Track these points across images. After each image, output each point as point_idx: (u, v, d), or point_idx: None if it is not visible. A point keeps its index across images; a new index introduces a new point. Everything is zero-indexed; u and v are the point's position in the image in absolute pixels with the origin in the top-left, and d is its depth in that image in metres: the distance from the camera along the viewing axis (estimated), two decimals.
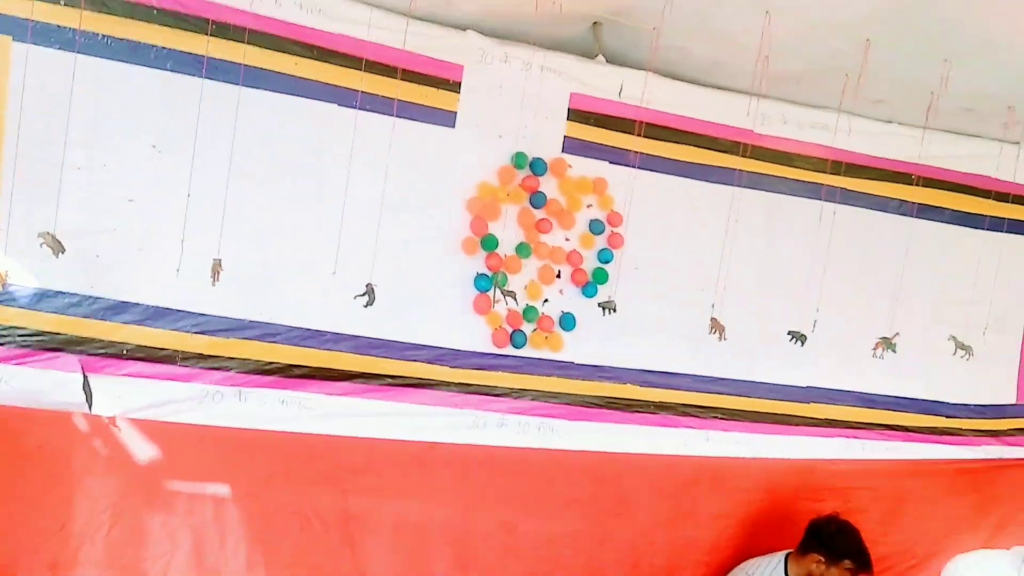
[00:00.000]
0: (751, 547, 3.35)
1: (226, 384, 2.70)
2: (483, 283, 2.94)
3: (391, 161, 2.76)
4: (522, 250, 2.97)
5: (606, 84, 3.05)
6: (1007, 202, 3.61)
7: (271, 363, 2.75)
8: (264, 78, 2.63)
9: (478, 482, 3.02)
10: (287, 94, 2.66)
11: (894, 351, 3.51)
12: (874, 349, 3.50)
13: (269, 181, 2.68)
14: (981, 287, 3.58)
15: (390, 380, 2.89)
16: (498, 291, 2.96)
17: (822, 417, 3.47)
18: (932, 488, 3.66)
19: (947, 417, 3.65)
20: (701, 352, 3.26)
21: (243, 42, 2.56)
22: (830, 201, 3.32)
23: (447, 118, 2.87)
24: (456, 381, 2.96)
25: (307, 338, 2.79)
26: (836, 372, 3.46)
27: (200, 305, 2.64)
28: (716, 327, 3.24)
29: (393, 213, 2.80)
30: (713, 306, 3.21)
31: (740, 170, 3.21)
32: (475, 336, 2.97)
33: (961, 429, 3.67)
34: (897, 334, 3.51)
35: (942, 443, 3.65)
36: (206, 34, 2.53)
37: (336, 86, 2.71)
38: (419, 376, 2.92)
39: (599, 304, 3.10)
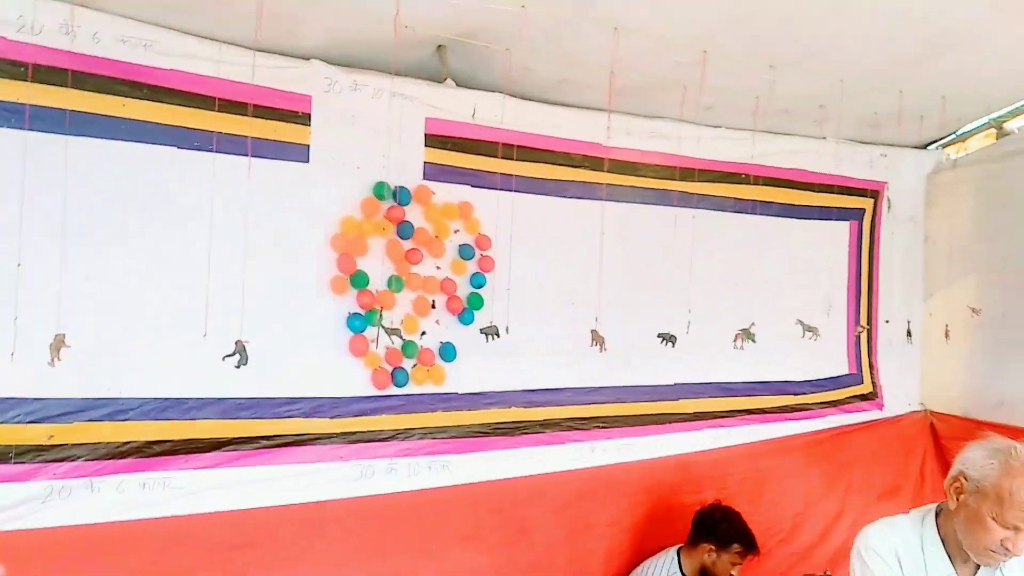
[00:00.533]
0: (644, 548, 3.41)
1: (73, 476, 2.35)
2: (357, 323, 2.77)
3: (250, 205, 2.53)
4: (394, 283, 2.83)
5: (459, 107, 2.99)
6: (823, 192, 3.94)
7: (125, 443, 2.44)
8: (92, 123, 2.31)
9: (374, 534, 2.84)
10: (122, 140, 2.37)
11: (753, 341, 3.72)
12: (734, 341, 3.69)
13: (112, 240, 2.38)
14: (814, 272, 3.90)
15: (265, 442, 2.66)
16: (381, 330, 2.80)
17: (691, 411, 3.60)
18: (789, 463, 3.90)
19: (795, 395, 3.91)
20: (582, 365, 3.28)
21: (66, 86, 2.24)
22: (682, 206, 3.46)
23: (300, 152, 2.69)
24: (338, 431, 2.77)
25: (166, 409, 2.50)
26: (701, 367, 3.60)
27: (35, 389, 2.28)
28: (597, 339, 3.27)
29: (257, 261, 2.57)
30: (596, 319, 3.23)
31: (596, 183, 3.26)
32: (354, 380, 2.80)
33: (808, 404, 3.95)
34: (753, 324, 3.73)
35: (794, 419, 3.90)
36: (26, 80, 2.19)
37: (177, 127, 2.45)
38: (297, 432, 2.71)
39: (481, 330, 3.03)
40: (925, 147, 4.36)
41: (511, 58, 2.78)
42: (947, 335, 4.22)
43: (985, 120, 4.15)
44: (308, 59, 2.69)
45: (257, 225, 2.57)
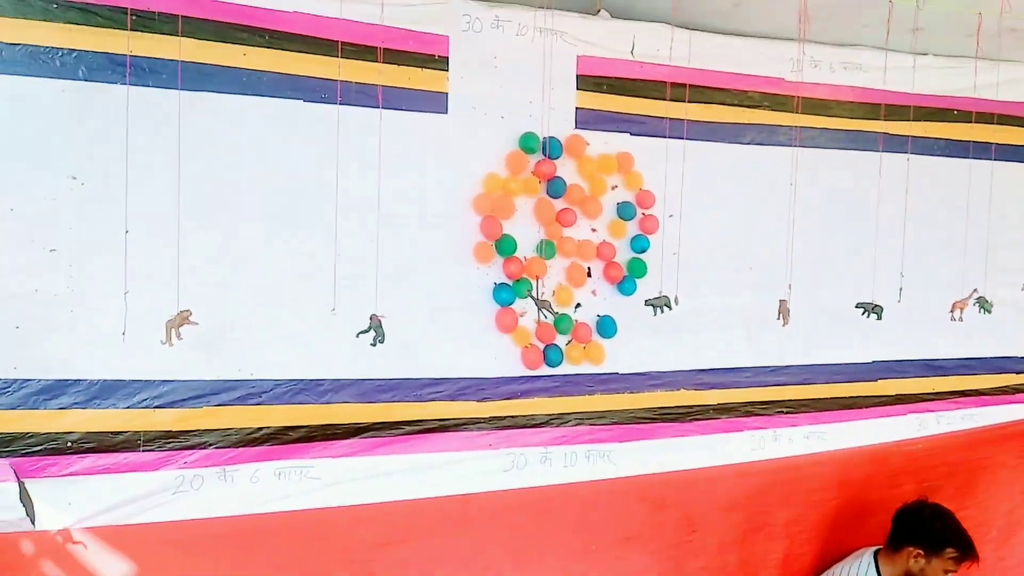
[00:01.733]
0: (830, 551, 3.00)
1: (205, 465, 2.16)
2: (505, 294, 2.44)
3: (381, 162, 2.23)
4: (545, 249, 2.47)
5: (615, 42, 2.58)
6: None
7: (259, 429, 2.21)
8: (208, 76, 2.07)
9: (526, 532, 2.54)
10: (240, 94, 2.11)
11: (987, 311, 3.16)
12: (951, 311, 3.12)
13: (231, 206, 2.13)
14: None
15: (407, 428, 2.39)
16: (531, 303, 2.46)
17: (892, 394, 3.08)
18: (1006, 454, 3.33)
19: (1018, 374, 3.30)
20: (764, 341, 2.83)
21: (176, 34, 2.00)
22: (889, 151, 2.90)
23: (438, 102, 2.35)
24: (486, 416, 2.47)
25: (300, 392, 2.25)
26: (908, 343, 3.07)
27: (158, 371, 2.08)
28: (783, 310, 2.80)
29: (391, 227, 2.28)
30: (790, 287, 2.75)
31: (780, 126, 2.78)
32: (502, 359, 2.48)
33: None
34: (975, 290, 3.13)
35: (1016, 402, 3.31)
36: (126, 28, 1.96)
37: (300, 76, 2.17)
38: (441, 417, 2.42)
39: (647, 302, 2.63)
40: None
41: None
42: None
43: None
44: None
45: (390, 185, 2.26)
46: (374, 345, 2.28)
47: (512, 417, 2.50)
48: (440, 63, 2.35)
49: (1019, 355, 3.31)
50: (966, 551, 2.71)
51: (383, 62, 2.23)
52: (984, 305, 3.14)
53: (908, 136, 2.96)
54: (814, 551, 3.00)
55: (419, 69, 2.32)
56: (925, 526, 2.74)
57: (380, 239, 2.25)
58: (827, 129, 2.87)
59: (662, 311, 2.64)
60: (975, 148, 3.09)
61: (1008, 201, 3.18)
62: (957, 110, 3.05)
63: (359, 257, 2.24)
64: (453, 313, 2.41)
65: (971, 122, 3.07)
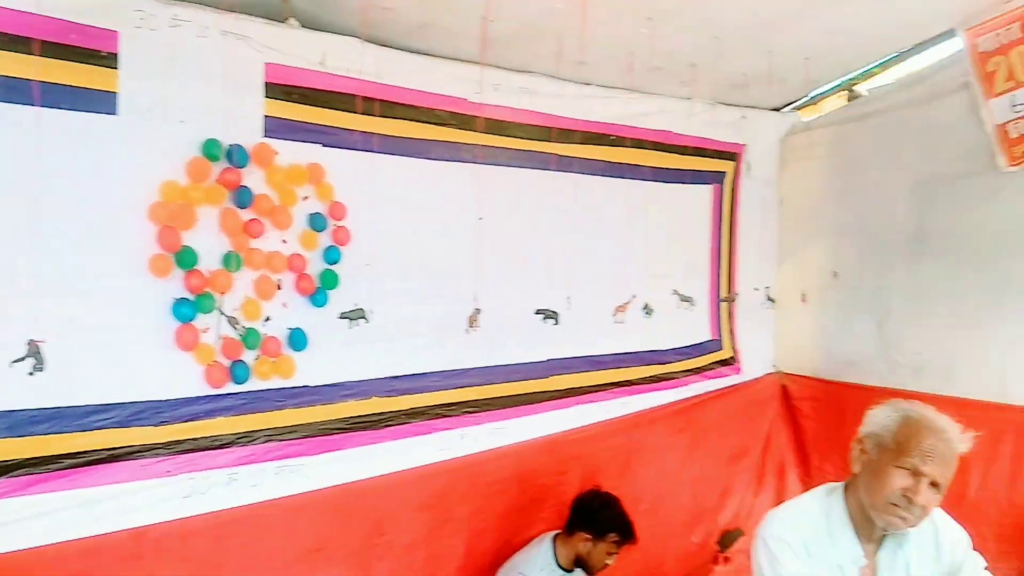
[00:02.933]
0: (513, 539, 3.22)
1: None
2: (185, 310, 2.29)
3: (41, 168, 1.97)
4: (230, 261, 2.37)
5: (305, 52, 2.54)
6: (690, 155, 3.81)
7: None
8: None
9: (207, 559, 2.40)
10: None
11: (639, 309, 3.57)
12: (615, 314, 3.52)
13: None
14: (684, 238, 3.79)
15: (69, 461, 2.15)
16: (215, 318, 2.34)
17: (562, 388, 3.40)
18: (656, 434, 3.83)
19: (662, 364, 3.82)
20: (448, 346, 2.97)
21: None
22: (560, 170, 3.19)
23: (106, 102, 2.14)
24: (163, 441, 2.31)
25: None
26: (578, 343, 3.40)
27: None
28: (470, 318, 2.96)
29: (53, 238, 2.04)
30: (474, 296, 2.90)
31: (465, 143, 2.93)
32: (183, 379, 2.34)
33: (674, 373, 3.87)
34: (634, 296, 3.56)
35: (660, 389, 3.82)
36: None
37: None
38: (111, 446, 2.22)
39: (342, 315, 2.63)
40: (779, 109, 4.35)
41: None
42: (804, 298, 4.28)
43: (839, 82, 4.19)
44: None
45: (50, 193, 2.02)
46: (32, 374, 2.02)
47: (194, 440, 2.36)
48: (108, 60, 2.14)
49: (664, 348, 3.83)
50: (625, 536, 3.05)
51: (41, 55, 1.98)
52: (647, 309, 3.59)
53: (575, 157, 3.28)
54: (496, 540, 3.20)
55: (84, 65, 2.09)
56: (594, 514, 3.05)
57: (38, 252, 2.00)
58: (506, 148, 3.07)
59: (357, 324, 2.66)
60: (630, 170, 3.52)
61: (660, 215, 3.66)
62: (614, 135, 3.44)
63: (13, 272, 1.97)
64: (125, 332, 2.22)
65: (626, 147, 3.49)
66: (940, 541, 2.11)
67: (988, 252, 3.51)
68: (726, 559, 4.23)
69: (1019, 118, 3.23)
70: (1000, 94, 3.27)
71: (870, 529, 2.04)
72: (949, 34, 3.43)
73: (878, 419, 2.06)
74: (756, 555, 2.08)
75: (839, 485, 2.14)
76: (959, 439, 1.96)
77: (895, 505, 1.94)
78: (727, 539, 4.25)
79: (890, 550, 2.06)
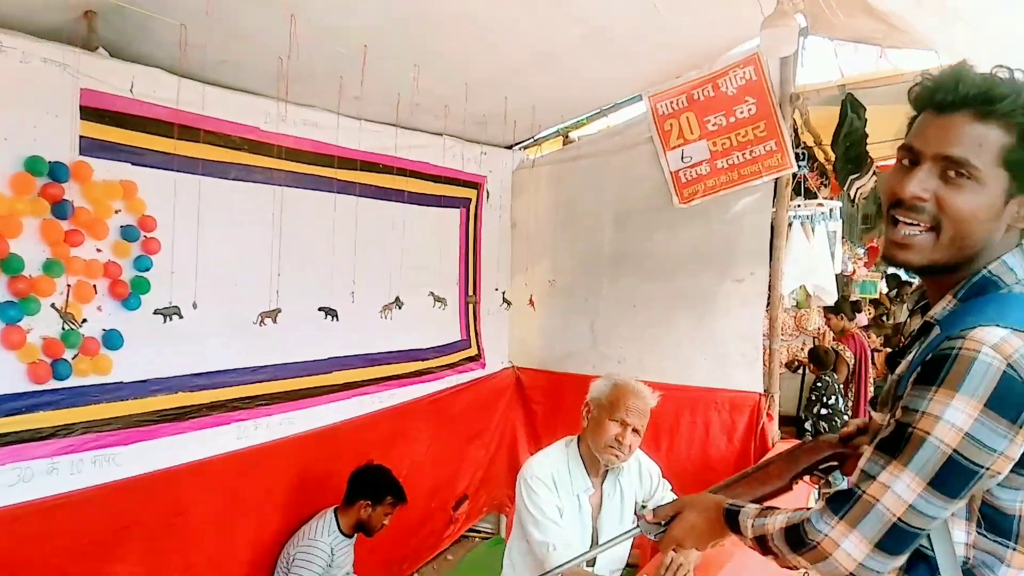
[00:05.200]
0: (298, 515, 3.61)
1: None
2: (11, 312, 2.48)
3: None
4: (52, 268, 2.58)
5: (115, 80, 2.80)
6: (443, 183, 4.49)
7: None
8: None
9: (31, 544, 2.57)
10: None
11: (400, 308, 4.15)
12: (381, 312, 4.06)
13: None
14: (439, 251, 4.45)
15: None
16: (38, 320, 2.54)
17: (342, 382, 3.87)
18: (416, 421, 4.42)
19: (423, 360, 4.43)
20: (249, 345, 3.33)
21: None
22: (342, 193, 3.69)
23: None
24: None
25: None
26: (354, 341, 3.89)
27: None
28: (266, 318, 3.35)
29: None
30: (269, 301, 3.31)
31: (258, 167, 3.33)
32: (8, 376, 2.51)
33: (432, 368, 4.50)
34: (398, 297, 4.13)
35: (422, 382, 4.43)
36: None
37: None
38: None
39: (157, 311, 2.92)
40: (511, 147, 5.19)
41: (176, 33, 2.71)
42: (532, 303, 5.14)
43: (556, 128, 5.14)
44: None
45: None
46: None
47: (17, 432, 2.53)
48: None
49: (424, 347, 4.45)
50: (399, 498, 3.58)
51: None
52: (405, 306, 4.20)
53: (355, 182, 3.81)
54: (285, 516, 3.57)
55: None
56: (370, 482, 3.54)
57: None
58: (295, 172, 3.51)
59: (171, 319, 2.96)
60: (396, 194, 4.11)
61: (421, 233, 4.30)
62: (383, 164, 4.02)
63: None
64: None
65: (393, 174, 4.08)
66: (641, 471, 2.94)
67: (667, 269, 4.60)
68: (455, 519, 4.96)
69: (687, 167, 4.34)
70: (674, 148, 4.36)
71: (597, 467, 2.77)
72: (638, 98, 4.48)
73: (597, 387, 2.82)
74: (519, 491, 2.73)
75: (574, 437, 2.86)
76: (651, 397, 2.77)
77: (611, 447, 2.68)
78: (458, 503, 4.97)
79: (610, 481, 2.83)
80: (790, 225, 4.38)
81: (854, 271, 9.04)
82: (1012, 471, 1.18)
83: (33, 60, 2.54)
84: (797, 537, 1.31)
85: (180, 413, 3.08)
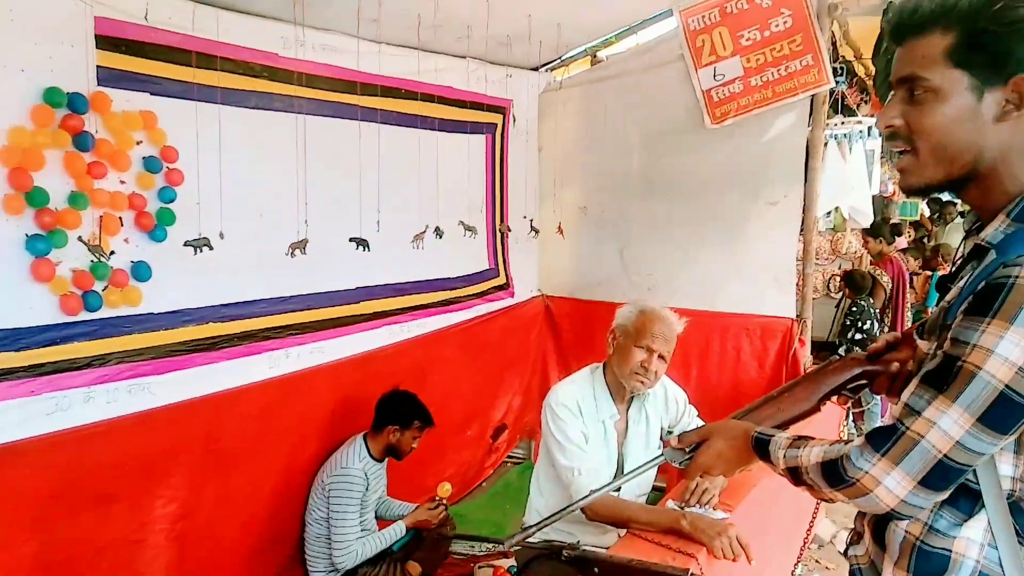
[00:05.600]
0: (329, 442, 3.67)
1: None
2: (40, 245, 2.50)
3: None
4: (77, 201, 2.59)
5: (129, 6, 2.74)
6: (467, 108, 4.39)
7: None
8: None
9: (70, 471, 2.65)
10: None
11: (439, 236, 4.15)
12: (412, 242, 4.06)
13: None
14: (466, 179, 4.39)
15: None
16: (67, 252, 2.57)
17: (371, 312, 3.89)
18: (446, 348, 4.46)
19: (451, 290, 4.43)
20: (273, 276, 3.34)
21: None
22: (366, 120, 3.63)
23: None
24: (25, 364, 2.51)
25: None
26: (383, 271, 3.90)
27: None
28: (294, 249, 3.35)
29: None
30: (297, 232, 3.30)
31: (278, 94, 3.28)
32: (39, 308, 2.55)
33: (461, 297, 4.50)
34: (427, 226, 4.11)
35: (450, 311, 4.44)
36: None
37: None
38: None
39: (187, 243, 2.93)
40: (537, 69, 5.06)
41: None
42: (560, 230, 5.09)
43: (584, 48, 4.98)
44: None
45: None
46: None
47: (54, 363, 2.58)
48: None
49: (453, 276, 4.45)
50: (426, 421, 3.63)
51: None
52: (439, 233, 4.17)
53: (377, 109, 3.74)
54: (317, 444, 3.64)
55: None
56: (398, 408, 3.58)
57: None
58: (316, 99, 3.44)
59: (201, 251, 2.97)
60: (421, 120, 4.04)
61: (447, 160, 4.22)
62: (406, 89, 3.93)
63: None
64: None
65: (417, 100, 4.00)
66: (667, 397, 2.93)
67: (698, 193, 4.50)
68: (496, 448, 5.06)
69: (719, 85, 4.19)
70: (706, 65, 4.20)
71: (622, 393, 2.77)
72: (668, 13, 4.31)
73: (623, 314, 2.79)
74: (544, 418, 2.74)
75: (600, 364, 2.85)
76: (677, 323, 2.74)
77: (637, 373, 2.67)
78: (497, 433, 5.05)
79: (636, 408, 2.83)
80: (826, 144, 4.23)
81: (894, 192, 8.76)
82: None
83: None
84: (835, 473, 1.28)
85: (212, 343, 3.12)
